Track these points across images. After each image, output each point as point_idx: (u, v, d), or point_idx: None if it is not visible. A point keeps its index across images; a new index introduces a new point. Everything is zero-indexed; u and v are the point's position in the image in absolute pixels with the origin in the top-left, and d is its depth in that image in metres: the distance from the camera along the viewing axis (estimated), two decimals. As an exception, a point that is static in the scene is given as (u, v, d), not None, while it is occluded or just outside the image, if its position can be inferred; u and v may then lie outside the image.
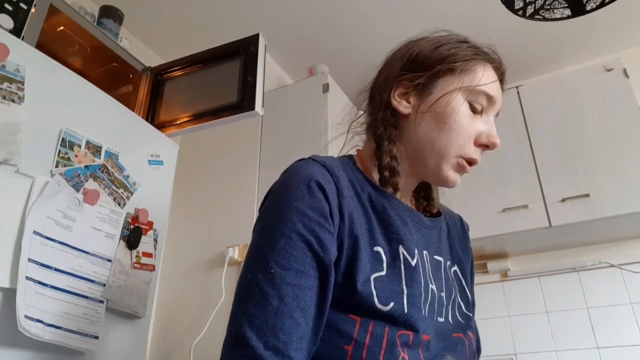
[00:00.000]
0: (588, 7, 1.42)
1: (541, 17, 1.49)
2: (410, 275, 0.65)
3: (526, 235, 2.05)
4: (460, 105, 0.69)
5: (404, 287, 0.63)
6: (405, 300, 0.62)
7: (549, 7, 1.45)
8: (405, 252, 0.66)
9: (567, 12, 1.45)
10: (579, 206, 1.93)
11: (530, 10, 1.48)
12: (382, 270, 0.63)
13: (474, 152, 0.70)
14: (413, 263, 0.66)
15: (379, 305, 0.60)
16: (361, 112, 0.87)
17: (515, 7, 1.49)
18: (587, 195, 1.92)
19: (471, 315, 0.78)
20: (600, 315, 2.04)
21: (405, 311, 0.61)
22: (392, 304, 0.61)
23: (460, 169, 0.71)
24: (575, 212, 1.93)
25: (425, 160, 0.71)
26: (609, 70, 2.12)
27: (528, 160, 2.12)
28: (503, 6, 1.52)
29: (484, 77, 0.70)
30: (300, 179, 0.62)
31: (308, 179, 0.62)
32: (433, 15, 2.20)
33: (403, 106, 0.73)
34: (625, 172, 1.91)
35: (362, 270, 0.61)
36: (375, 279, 0.62)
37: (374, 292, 0.60)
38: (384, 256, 0.65)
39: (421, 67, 0.72)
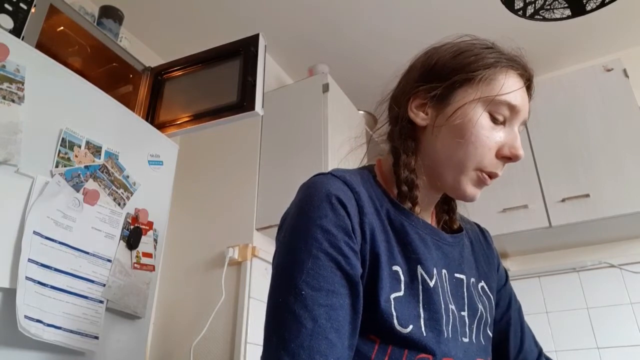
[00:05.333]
0: (588, 7, 1.42)
1: (541, 17, 1.49)
2: (428, 298, 0.64)
3: (526, 235, 2.05)
4: (478, 117, 0.66)
5: (421, 311, 0.62)
6: (422, 324, 0.61)
7: (549, 7, 1.45)
8: (423, 273, 0.65)
9: (567, 12, 1.45)
10: (579, 206, 1.93)
11: (530, 10, 1.48)
12: (400, 290, 0.62)
13: (494, 166, 0.67)
14: (431, 284, 0.65)
15: (398, 327, 0.59)
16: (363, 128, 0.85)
17: (515, 7, 1.49)
18: (587, 195, 1.92)
19: (491, 335, 0.76)
20: (600, 315, 2.04)
21: (424, 334, 0.61)
22: (411, 327, 0.60)
23: (480, 183, 0.69)
24: (575, 212, 1.93)
25: (443, 174, 0.69)
26: (609, 70, 2.12)
27: (528, 160, 2.12)
28: (503, 6, 1.52)
29: (505, 86, 0.66)
30: (321, 196, 0.61)
31: (329, 195, 0.61)
32: (433, 15, 2.20)
33: (420, 118, 0.70)
34: (625, 172, 1.91)
35: (383, 289, 0.60)
36: (394, 299, 0.61)
37: (394, 314, 0.60)
38: (402, 276, 0.63)
39: (439, 76, 0.69)
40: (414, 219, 0.68)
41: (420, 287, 0.64)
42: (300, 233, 0.60)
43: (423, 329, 0.61)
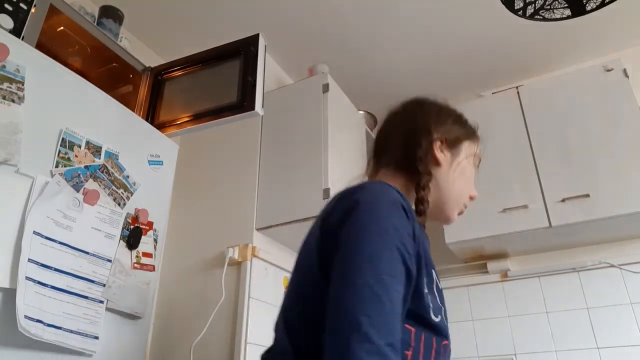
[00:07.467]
0: (588, 7, 1.42)
1: (541, 17, 1.49)
2: (440, 294, 0.77)
3: (526, 235, 2.05)
4: (473, 166, 0.92)
5: (440, 304, 0.75)
6: (443, 315, 0.75)
7: (549, 7, 1.45)
8: (435, 275, 0.77)
9: (567, 12, 1.45)
10: (579, 206, 1.93)
11: (530, 10, 1.48)
12: (426, 288, 0.72)
13: (468, 201, 0.92)
14: (440, 285, 0.80)
15: (432, 317, 0.70)
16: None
17: (515, 7, 1.49)
18: (587, 195, 1.92)
19: None
20: (600, 315, 2.04)
21: (446, 323, 0.75)
22: (439, 317, 0.72)
23: (461, 212, 0.92)
24: (575, 212, 1.93)
25: (445, 204, 0.88)
26: (609, 70, 2.12)
27: (528, 160, 2.12)
28: (503, 6, 1.52)
29: (480, 147, 0.95)
30: (391, 201, 0.71)
31: (397, 201, 0.71)
32: (433, 16, 2.20)
33: (442, 158, 0.88)
34: (625, 172, 1.91)
35: (425, 285, 0.71)
36: (426, 293, 0.71)
37: (430, 305, 0.71)
38: (424, 277, 0.73)
39: (455, 129, 0.91)
40: (424, 231, 0.82)
41: (434, 286, 0.76)
42: (378, 227, 0.68)
43: (444, 318, 0.75)
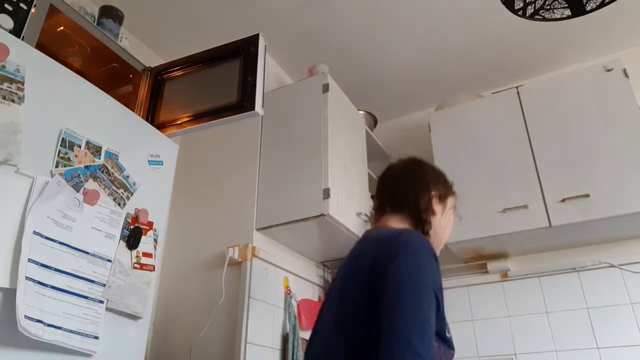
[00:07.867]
0: (588, 7, 1.42)
1: (541, 17, 1.49)
2: (445, 316, 0.95)
3: (526, 235, 2.05)
4: (453, 215, 1.16)
5: (448, 324, 0.96)
6: (450, 332, 0.96)
7: (549, 7, 1.45)
8: (442, 300, 0.95)
9: (567, 12, 1.45)
10: (579, 206, 1.93)
11: (530, 10, 1.48)
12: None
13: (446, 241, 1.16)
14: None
15: (447, 334, 0.93)
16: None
17: (515, 7, 1.50)
18: (587, 195, 1.92)
19: None
20: (600, 315, 2.04)
21: (452, 338, 0.95)
22: (449, 334, 0.95)
23: (440, 250, 1.13)
24: (575, 212, 1.93)
25: (437, 246, 1.09)
26: (609, 70, 2.12)
27: (528, 160, 2.12)
28: (503, 6, 1.52)
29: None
30: (428, 250, 0.92)
31: (430, 248, 0.93)
32: (433, 15, 2.21)
33: (437, 210, 1.11)
34: (625, 172, 1.91)
35: (444, 311, 0.93)
36: (444, 316, 0.94)
37: (446, 325, 0.93)
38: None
39: (444, 187, 1.15)
40: None
41: (442, 309, 0.93)
42: (423, 271, 0.89)
43: (450, 334, 0.95)
